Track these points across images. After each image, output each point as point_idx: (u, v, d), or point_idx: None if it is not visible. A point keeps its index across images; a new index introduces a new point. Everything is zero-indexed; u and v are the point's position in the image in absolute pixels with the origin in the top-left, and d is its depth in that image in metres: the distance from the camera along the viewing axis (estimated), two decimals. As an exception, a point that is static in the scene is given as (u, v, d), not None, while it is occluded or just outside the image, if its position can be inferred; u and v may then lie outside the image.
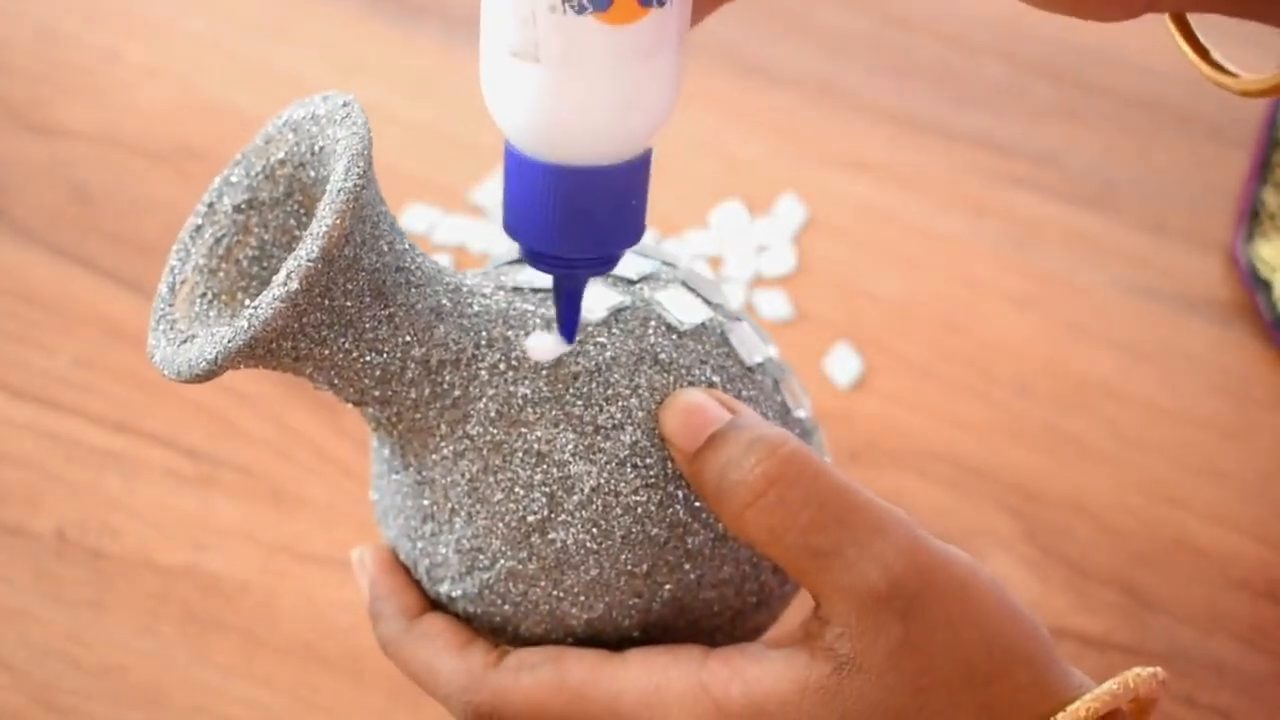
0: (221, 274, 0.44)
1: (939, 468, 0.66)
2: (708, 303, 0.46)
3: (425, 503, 0.44)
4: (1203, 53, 0.42)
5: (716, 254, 0.74)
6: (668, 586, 0.43)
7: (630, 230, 0.41)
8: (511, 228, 0.40)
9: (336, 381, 0.43)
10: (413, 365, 0.42)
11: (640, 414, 0.43)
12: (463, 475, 0.43)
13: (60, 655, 0.58)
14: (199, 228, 0.45)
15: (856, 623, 0.39)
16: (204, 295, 0.44)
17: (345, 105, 0.43)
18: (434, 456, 0.44)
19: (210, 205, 0.45)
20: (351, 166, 0.40)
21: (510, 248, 0.47)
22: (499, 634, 0.45)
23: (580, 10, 0.36)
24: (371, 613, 0.45)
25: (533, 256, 0.41)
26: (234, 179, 0.45)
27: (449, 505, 0.44)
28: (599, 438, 0.43)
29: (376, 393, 0.43)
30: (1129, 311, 0.73)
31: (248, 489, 0.63)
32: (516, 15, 0.37)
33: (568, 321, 0.42)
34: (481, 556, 0.43)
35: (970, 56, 0.84)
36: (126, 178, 0.75)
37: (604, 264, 0.41)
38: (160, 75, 0.80)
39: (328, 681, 0.58)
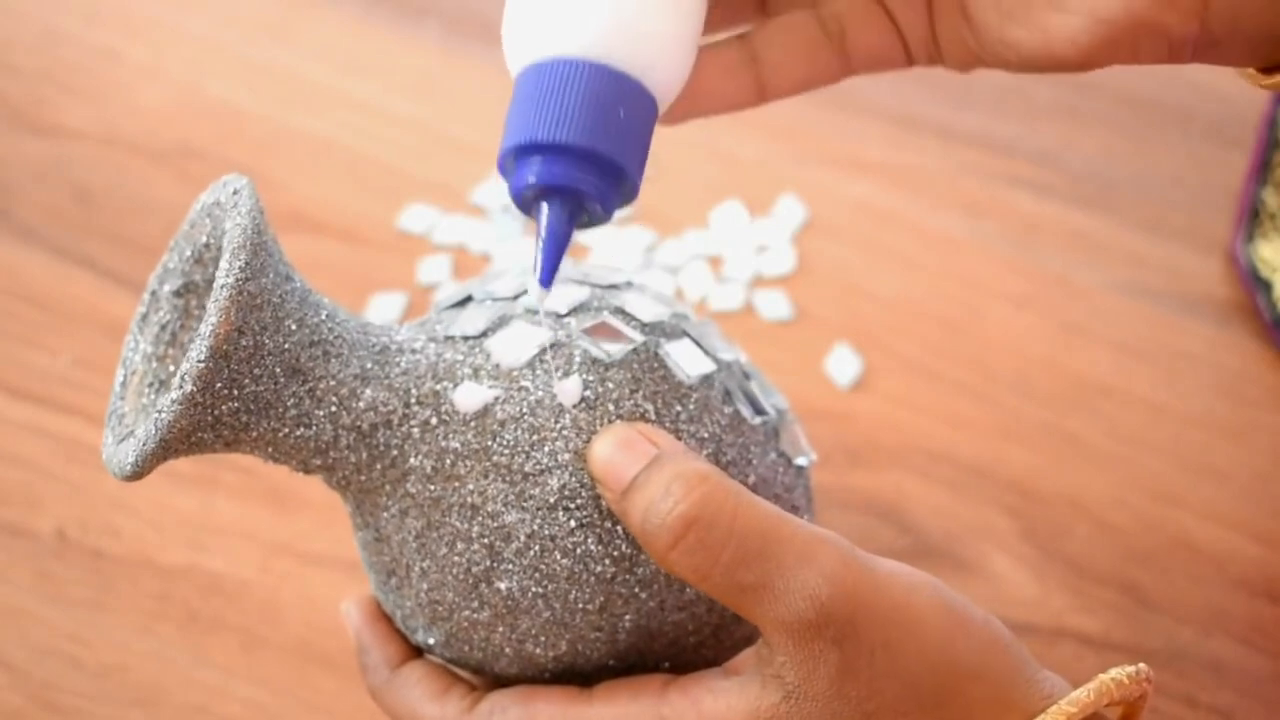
0: (169, 360, 0.45)
1: (939, 468, 0.66)
2: (643, 324, 0.45)
3: (385, 559, 0.45)
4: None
5: (716, 254, 0.74)
6: (628, 617, 0.43)
7: (631, 153, 0.40)
8: (513, 140, 0.40)
9: (277, 457, 0.43)
10: (344, 433, 0.43)
11: (567, 456, 0.43)
12: (410, 532, 0.44)
13: (60, 655, 0.58)
14: (144, 315, 0.45)
15: (795, 652, 0.40)
16: (152, 384, 0.45)
17: (235, 193, 0.43)
18: (385, 515, 0.44)
19: (153, 292, 0.45)
20: (233, 261, 0.40)
21: (454, 291, 0.47)
22: (480, 673, 0.45)
23: None
24: (359, 663, 0.47)
25: (531, 160, 0.40)
26: (170, 265, 0.45)
27: (404, 561, 0.44)
28: (528, 484, 0.43)
29: (317, 462, 0.43)
30: (1128, 311, 0.73)
31: (248, 489, 0.63)
32: None
33: (547, 262, 0.41)
34: (440, 608, 0.44)
35: None
36: (126, 178, 0.75)
37: (605, 188, 0.41)
38: (160, 75, 0.80)
39: (328, 681, 0.58)
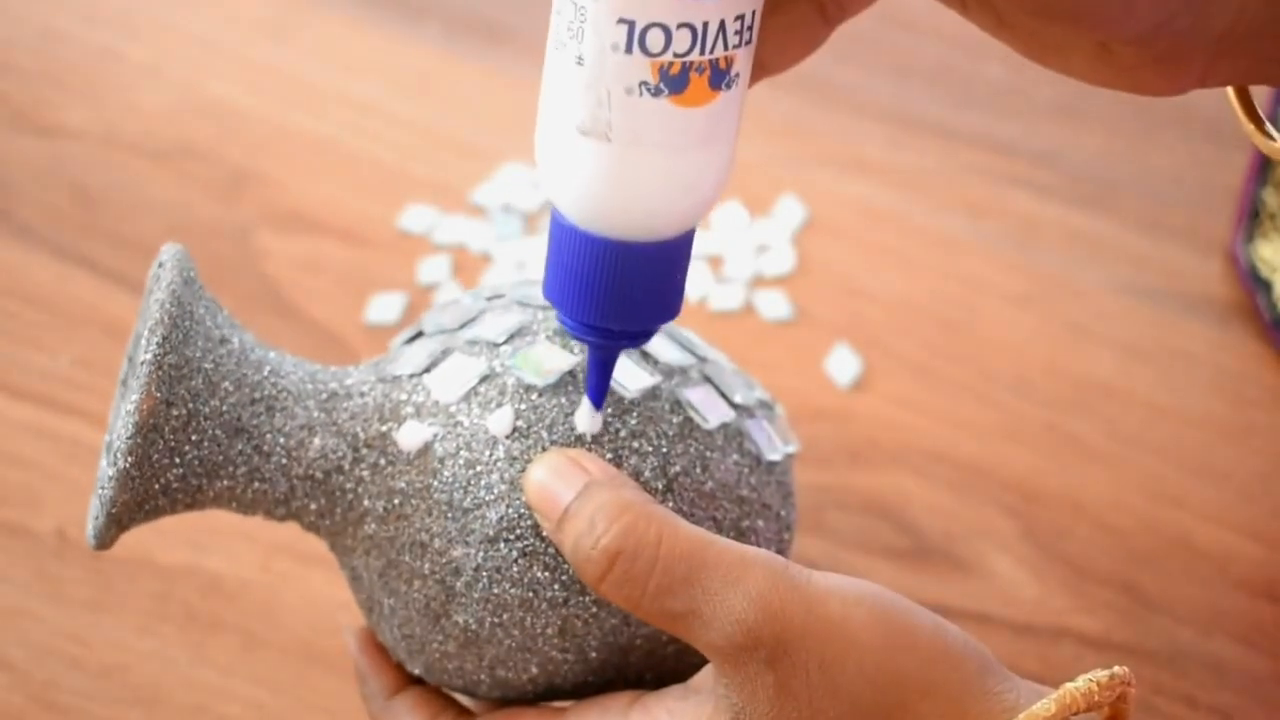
0: None
1: (939, 468, 0.66)
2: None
3: (362, 595, 0.46)
4: (1258, 122, 0.42)
5: (716, 254, 0.74)
6: (592, 637, 0.44)
7: (671, 304, 0.41)
8: (554, 297, 0.41)
9: (241, 509, 0.45)
10: (299, 483, 0.44)
11: (503, 487, 0.43)
12: (374, 571, 0.45)
13: (60, 655, 0.58)
14: (124, 380, 0.46)
15: (732, 674, 0.40)
16: None
17: (160, 266, 0.44)
18: (353, 555, 0.45)
19: (129, 358, 0.46)
20: (149, 339, 0.42)
21: (410, 326, 0.48)
22: (469, 695, 0.46)
23: (656, 93, 0.37)
24: (360, 692, 0.48)
25: (574, 327, 0.41)
26: (139, 331, 0.46)
27: (375, 598, 0.45)
28: (469, 519, 0.43)
29: (281, 511, 0.45)
30: (1129, 311, 0.73)
31: (248, 489, 0.63)
32: (591, 95, 0.37)
33: (598, 390, 0.43)
34: (413, 641, 0.45)
35: (970, 56, 0.84)
36: (126, 178, 0.75)
37: (644, 337, 0.41)
38: (160, 75, 0.80)
39: (328, 681, 0.58)
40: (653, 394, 0.44)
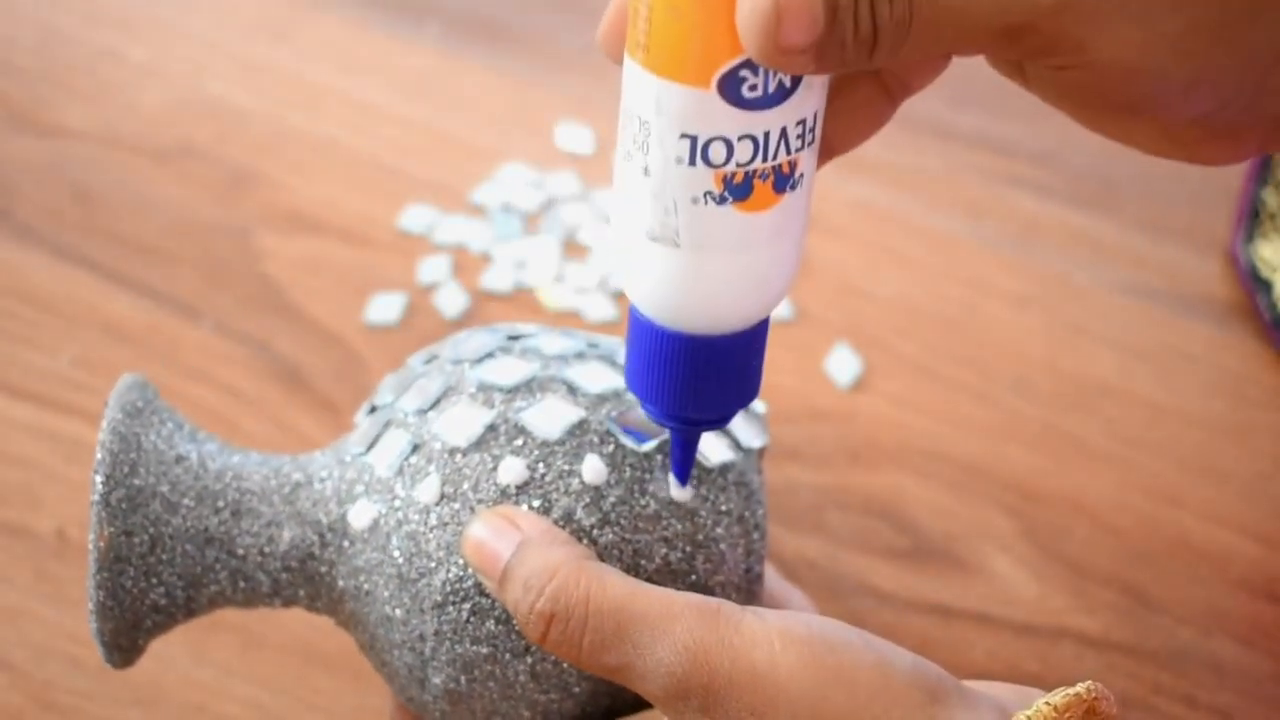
0: None
1: (939, 468, 0.66)
2: (504, 392, 0.45)
3: (368, 660, 0.48)
4: None
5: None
6: (567, 674, 0.44)
7: (749, 388, 0.42)
8: (637, 389, 0.42)
9: (243, 607, 0.47)
10: (281, 575, 0.46)
11: (441, 553, 0.44)
12: (365, 644, 0.46)
13: (60, 655, 0.58)
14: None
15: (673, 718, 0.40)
16: None
17: (109, 404, 0.46)
18: (350, 630, 0.47)
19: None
20: (94, 478, 0.44)
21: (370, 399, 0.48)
22: None
23: (721, 201, 0.37)
24: None
25: (657, 415, 0.42)
26: None
27: (378, 665, 0.47)
28: (419, 586, 0.44)
29: (278, 602, 0.46)
30: (1129, 311, 0.73)
31: (248, 489, 0.63)
32: (658, 204, 0.38)
33: (683, 468, 0.44)
34: (414, 702, 0.46)
35: (970, 56, 0.84)
36: (127, 178, 0.75)
37: (724, 420, 0.42)
38: (160, 75, 0.80)
39: (327, 681, 0.58)
40: (579, 429, 0.44)
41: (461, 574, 0.43)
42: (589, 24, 0.87)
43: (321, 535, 0.45)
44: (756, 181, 0.37)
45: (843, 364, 0.69)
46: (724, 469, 0.46)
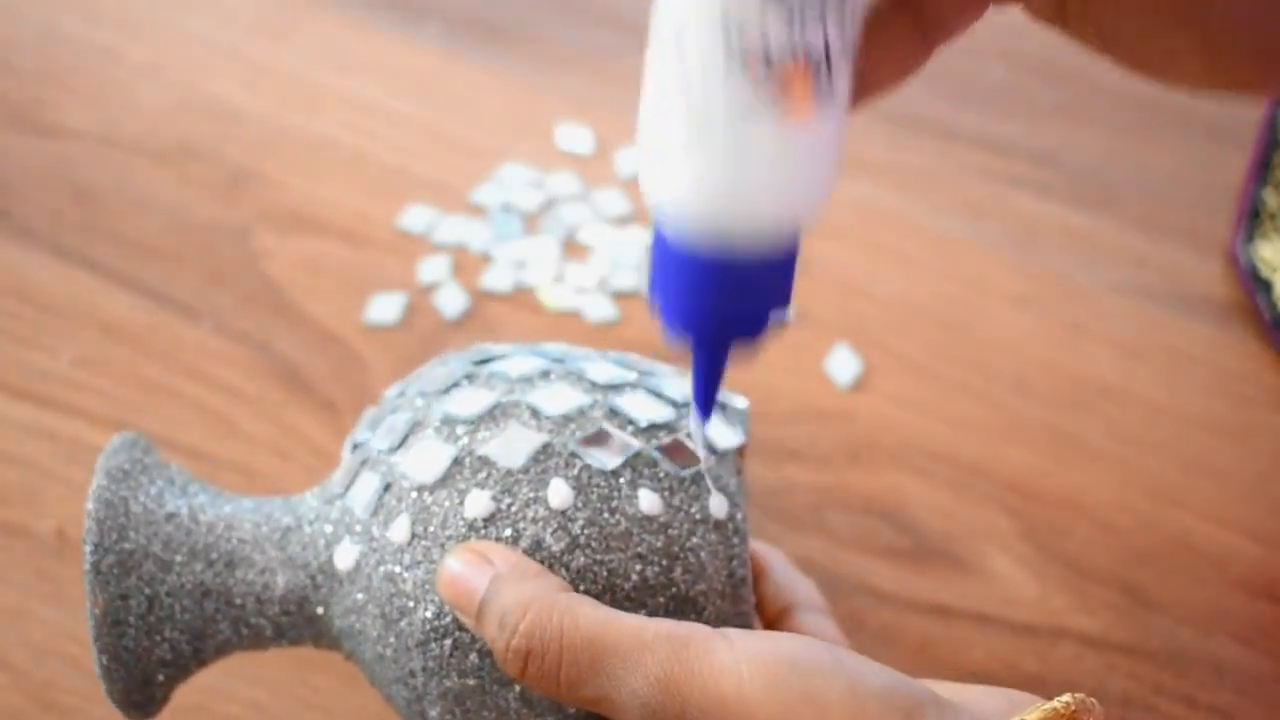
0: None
1: (939, 468, 0.66)
2: (467, 422, 0.45)
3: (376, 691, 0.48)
4: None
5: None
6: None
7: (780, 300, 0.41)
8: (664, 307, 0.41)
9: (254, 649, 0.47)
10: (280, 618, 0.46)
11: (418, 590, 0.44)
12: (366, 679, 0.47)
13: (60, 655, 0.58)
14: None
15: None
16: None
17: (97, 470, 0.46)
18: (355, 665, 0.47)
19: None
20: (84, 547, 0.44)
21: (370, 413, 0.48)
22: None
23: (759, 97, 0.37)
24: None
25: (678, 317, 0.41)
26: None
27: (378, 691, 0.47)
28: (401, 625, 0.44)
29: (284, 642, 0.47)
30: (1128, 311, 0.73)
31: (248, 489, 0.63)
32: (692, 101, 0.37)
33: (706, 397, 0.43)
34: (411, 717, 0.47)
35: (970, 56, 0.84)
36: (127, 178, 0.75)
37: (753, 327, 0.41)
38: (160, 75, 0.80)
39: (327, 681, 0.58)
40: (543, 454, 0.44)
41: (439, 610, 0.44)
42: (589, 24, 0.87)
43: (313, 579, 0.46)
44: (795, 79, 0.37)
45: (843, 364, 0.69)
46: (696, 476, 0.45)
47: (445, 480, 0.44)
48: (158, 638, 0.45)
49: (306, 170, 0.76)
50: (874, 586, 0.62)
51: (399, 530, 0.44)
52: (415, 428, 0.46)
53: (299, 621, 0.46)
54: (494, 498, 0.44)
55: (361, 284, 0.71)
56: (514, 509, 0.44)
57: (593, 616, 0.41)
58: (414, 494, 0.44)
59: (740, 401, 0.48)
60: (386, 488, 0.45)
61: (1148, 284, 0.74)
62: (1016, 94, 0.82)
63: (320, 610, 0.46)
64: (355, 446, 0.48)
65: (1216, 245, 0.76)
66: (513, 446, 0.44)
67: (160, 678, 0.46)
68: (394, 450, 0.45)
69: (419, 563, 0.44)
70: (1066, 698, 0.38)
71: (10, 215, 0.73)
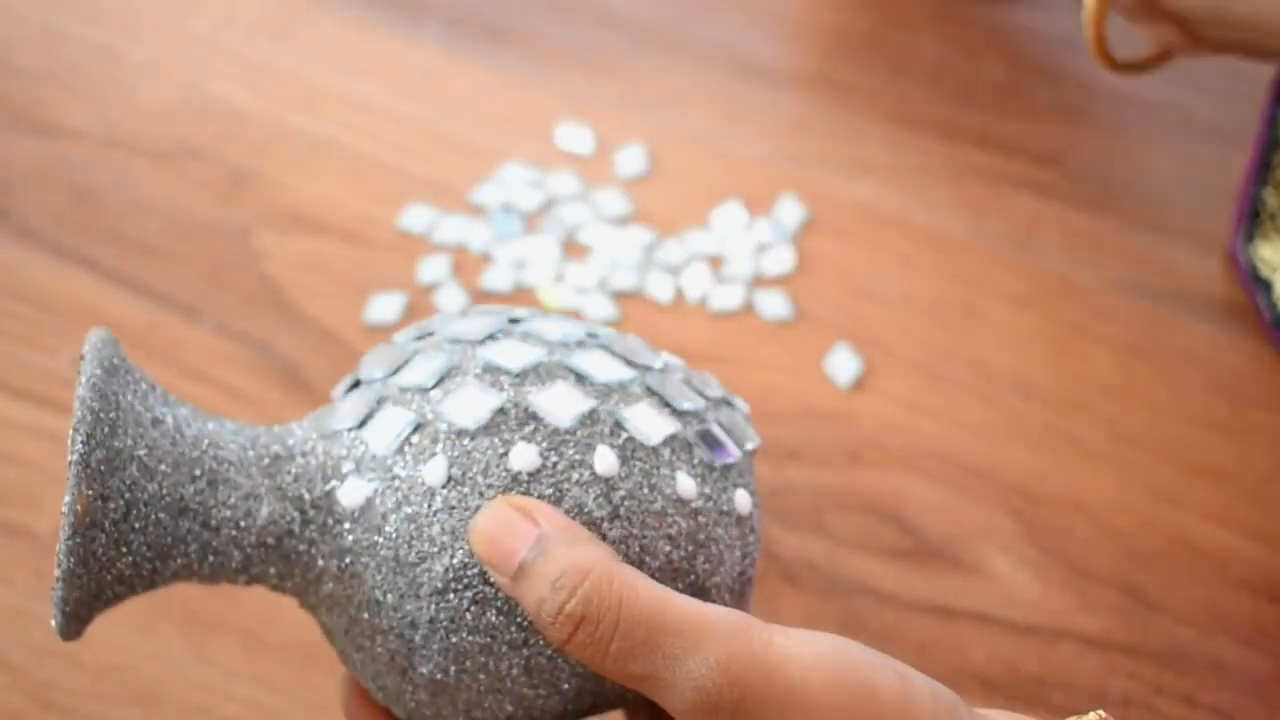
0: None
1: (939, 468, 0.66)
2: (513, 376, 0.44)
3: (336, 648, 0.46)
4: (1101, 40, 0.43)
5: (716, 254, 0.74)
6: (560, 671, 0.43)
7: None
8: None
9: (203, 582, 0.44)
10: (253, 551, 0.43)
11: (445, 538, 0.42)
12: (339, 629, 0.44)
13: (60, 655, 0.58)
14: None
15: None
16: None
17: (81, 358, 0.43)
18: (319, 613, 0.45)
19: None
20: (74, 437, 0.41)
21: (348, 377, 0.47)
22: None
23: None
24: None
25: None
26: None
27: (347, 652, 0.45)
28: (416, 573, 0.42)
29: (243, 579, 0.44)
30: (1129, 311, 0.73)
31: (248, 489, 0.63)
32: None
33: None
34: (388, 691, 0.45)
35: (970, 56, 0.84)
36: (126, 178, 0.75)
37: None
38: (160, 75, 0.80)
39: (327, 681, 0.58)
40: (589, 418, 0.43)
41: (465, 562, 0.42)
42: (589, 24, 0.87)
43: (303, 512, 0.43)
44: None
45: (843, 364, 0.69)
46: (726, 469, 0.45)
47: (489, 428, 0.43)
48: (124, 549, 0.42)
49: (306, 170, 0.76)
50: (874, 587, 0.62)
51: (434, 472, 0.42)
52: (452, 371, 0.44)
53: (272, 556, 0.44)
54: (541, 453, 0.42)
55: (361, 284, 0.71)
56: (560, 468, 0.43)
57: (653, 592, 0.40)
58: (452, 437, 0.42)
59: (743, 404, 0.48)
60: (417, 427, 0.43)
61: (1148, 284, 0.74)
62: (1016, 94, 0.82)
63: (303, 547, 0.43)
64: (357, 384, 0.46)
65: (1216, 245, 0.76)
66: (561, 405, 0.43)
67: (109, 594, 0.43)
68: (427, 390, 0.43)
69: (452, 508, 0.42)
70: (1098, 715, 0.39)
71: (10, 215, 0.73)
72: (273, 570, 0.44)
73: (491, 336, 0.45)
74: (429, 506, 0.42)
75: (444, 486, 0.42)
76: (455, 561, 0.42)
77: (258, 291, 0.70)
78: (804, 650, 0.39)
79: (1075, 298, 0.73)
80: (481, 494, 0.42)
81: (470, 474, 0.42)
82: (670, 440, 0.44)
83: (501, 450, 0.43)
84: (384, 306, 0.70)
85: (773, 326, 0.71)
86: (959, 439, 0.67)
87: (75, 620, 0.42)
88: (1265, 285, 0.72)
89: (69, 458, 0.41)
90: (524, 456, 0.42)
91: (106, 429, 0.42)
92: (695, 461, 0.45)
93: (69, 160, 0.75)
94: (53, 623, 0.43)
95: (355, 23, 0.83)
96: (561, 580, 0.40)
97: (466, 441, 0.43)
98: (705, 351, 0.70)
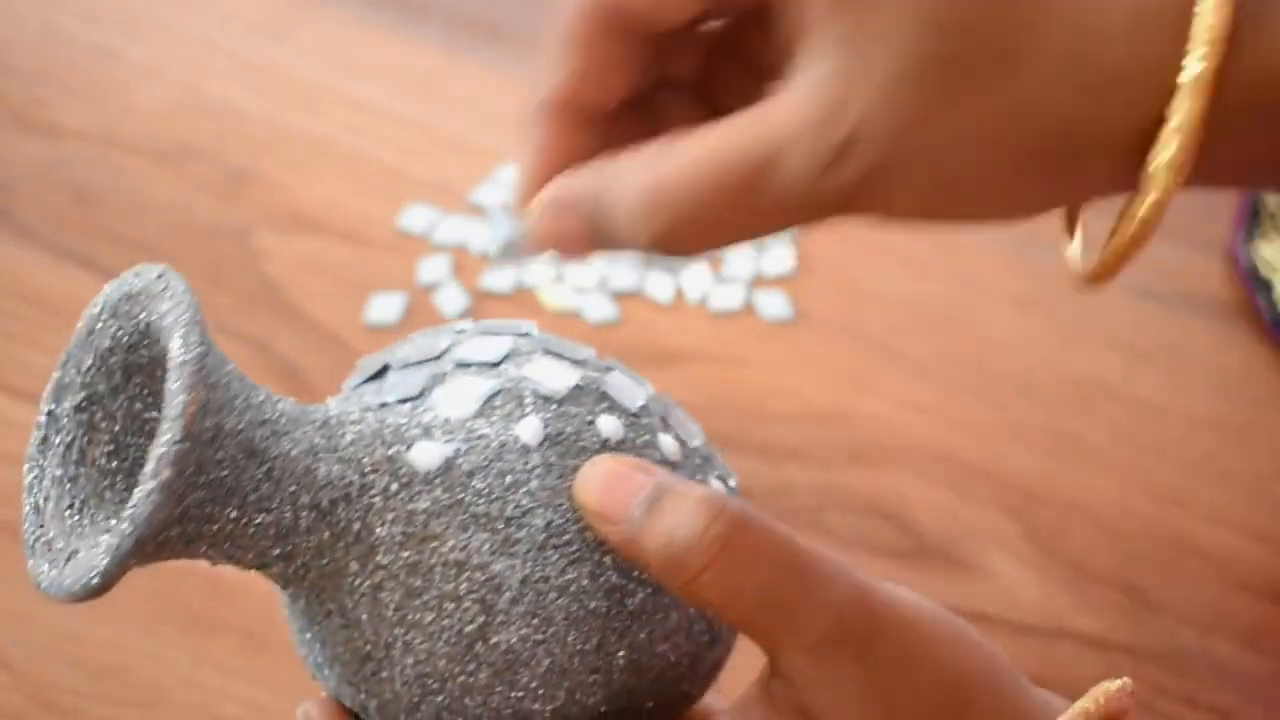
0: (82, 479, 0.43)
1: (939, 468, 0.66)
2: (574, 362, 0.45)
3: (358, 644, 0.43)
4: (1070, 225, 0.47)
5: (716, 254, 0.74)
6: (621, 653, 0.43)
7: None
8: None
9: (234, 552, 0.42)
10: (305, 513, 0.41)
11: (545, 494, 0.42)
12: (387, 607, 0.42)
13: (60, 655, 0.58)
14: (45, 439, 0.43)
15: (815, 673, 0.40)
16: (71, 506, 0.43)
17: (160, 277, 0.41)
18: (353, 597, 0.43)
19: (49, 413, 0.43)
20: (189, 337, 0.39)
21: (366, 366, 0.46)
22: None
23: None
24: None
25: None
26: (66, 380, 0.43)
27: (383, 640, 0.43)
28: (512, 529, 0.42)
29: (276, 551, 0.42)
30: (1129, 311, 0.73)
31: (248, 489, 0.63)
32: None
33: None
34: (430, 680, 0.43)
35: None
36: (126, 178, 0.75)
37: None
38: (160, 75, 0.80)
39: (328, 681, 0.58)
40: (647, 409, 0.45)
41: (565, 519, 0.42)
42: (589, 24, 0.87)
43: (363, 475, 0.42)
44: None
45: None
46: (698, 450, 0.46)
47: (572, 398, 0.43)
48: (201, 479, 0.39)
49: (306, 170, 0.76)
50: (874, 587, 0.62)
51: (528, 431, 0.42)
52: (514, 351, 0.44)
53: (319, 523, 0.41)
54: (624, 426, 0.43)
55: (361, 284, 0.71)
56: (638, 443, 0.43)
57: (779, 527, 0.40)
58: (541, 400, 0.43)
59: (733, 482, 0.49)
60: (498, 392, 0.43)
61: (1148, 284, 0.74)
62: (1017, 94, 0.82)
63: (356, 514, 0.41)
64: (384, 370, 0.45)
65: (1216, 245, 0.76)
66: (628, 392, 0.44)
67: (160, 538, 0.39)
68: (497, 364, 0.44)
69: (550, 466, 0.42)
70: (1127, 680, 0.40)
71: (10, 215, 0.73)
72: (313, 540, 0.42)
73: (526, 334, 0.46)
74: (524, 464, 0.42)
75: (539, 446, 0.42)
76: (556, 518, 0.42)
77: (258, 291, 0.70)
78: (907, 593, 0.41)
79: (1076, 298, 0.73)
80: (577, 455, 0.42)
81: (565, 435, 0.43)
82: (695, 449, 0.46)
83: (588, 419, 0.43)
84: (384, 307, 0.70)
85: (773, 326, 0.71)
86: (959, 439, 0.67)
87: (131, 556, 0.39)
88: (1265, 285, 0.72)
89: (181, 359, 0.38)
90: (610, 426, 0.43)
91: (209, 340, 0.39)
92: (717, 476, 0.46)
93: (69, 160, 0.75)
94: (99, 564, 0.39)
95: (355, 23, 0.83)
96: (701, 507, 0.40)
97: (555, 406, 0.43)
98: (705, 351, 0.70)
